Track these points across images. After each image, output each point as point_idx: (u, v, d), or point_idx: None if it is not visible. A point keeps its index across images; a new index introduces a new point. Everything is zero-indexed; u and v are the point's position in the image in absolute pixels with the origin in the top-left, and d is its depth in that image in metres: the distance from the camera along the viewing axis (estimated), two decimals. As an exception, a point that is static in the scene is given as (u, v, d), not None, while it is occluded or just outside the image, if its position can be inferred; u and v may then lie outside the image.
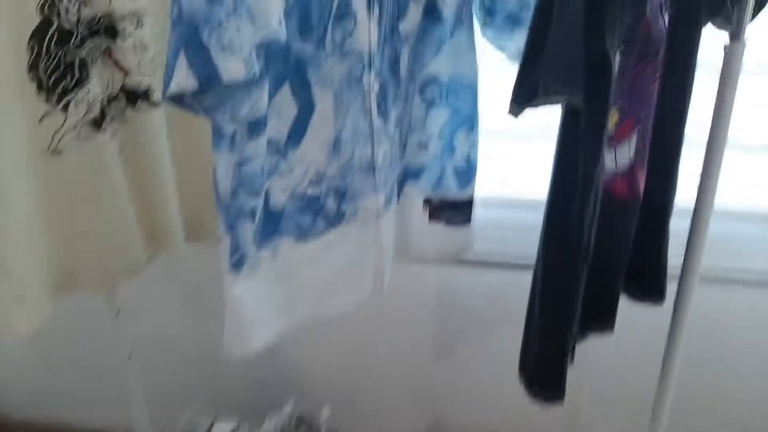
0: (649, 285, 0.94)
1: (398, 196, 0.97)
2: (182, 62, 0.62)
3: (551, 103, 0.69)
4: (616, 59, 0.69)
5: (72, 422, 1.42)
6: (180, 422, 1.17)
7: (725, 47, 0.77)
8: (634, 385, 1.07)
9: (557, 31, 0.61)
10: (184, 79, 0.63)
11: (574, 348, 0.86)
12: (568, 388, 0.85)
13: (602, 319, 0.90)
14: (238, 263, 0.79)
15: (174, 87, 0.63)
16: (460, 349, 1.29)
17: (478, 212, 1.02)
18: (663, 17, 0.75)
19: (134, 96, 0.92)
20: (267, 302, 0.84)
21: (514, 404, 0.93)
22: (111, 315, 1.07)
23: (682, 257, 0.89)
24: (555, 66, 0.63)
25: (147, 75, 0.91)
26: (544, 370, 0.85)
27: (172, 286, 1.22)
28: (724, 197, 0.88)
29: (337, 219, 0.88)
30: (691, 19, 0.78)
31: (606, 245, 0.84)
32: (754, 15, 0.80)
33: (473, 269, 1.19)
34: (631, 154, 0.80)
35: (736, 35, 0.75)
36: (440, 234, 1.00)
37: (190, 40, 0.62)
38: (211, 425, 1.15)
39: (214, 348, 1.22)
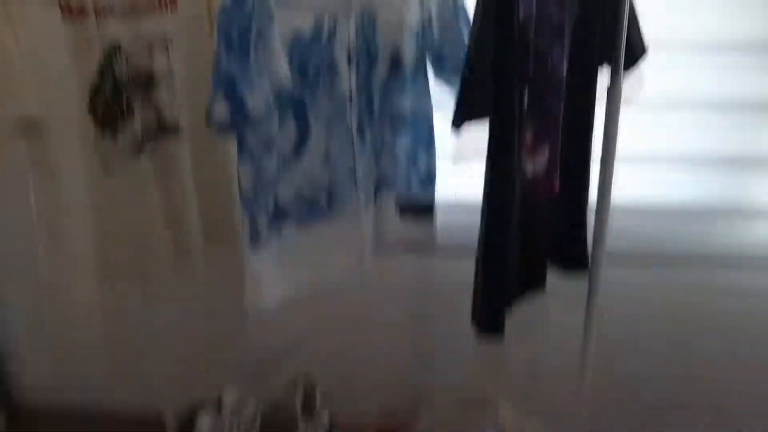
0: (575, 258, 1.20)
1: (375, 200, 1.24)
2: (221, 100, 0.90)
3: (476, 122, 0.98)
4: (526, 93, 0.99)
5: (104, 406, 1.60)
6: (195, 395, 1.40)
7: (607, 87, 1.06)
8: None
9: (473, 75, 0.92)
10: (223, 111, 0.91)
11: (511, 302, 1.13)
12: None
13: (535, 281, 1.18)
14: (255, 241, 1.07)
15: (215, 117, 0.91)
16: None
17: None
18: (563, 63, 1.04)
19: (165, 128, 1.18)
20: (275, 270, 1.12)
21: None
22: (146, 304, 1.32)
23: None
24: (471, 100, 0.95)
25: (176, 113, 1.18)
26: (488, 318, 1.11)
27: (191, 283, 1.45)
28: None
29: (327, 211, 1.16)
30: (587, 64, 1.07)
31: (534, 228, 1.12)
32: (631, 65, 1.10)
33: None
34: (545, 163, 1.09)
35: (613, 82, 1.04)
36: (410, 229, 1.27)
37: (229, 88, 0.90)
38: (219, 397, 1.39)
39: (223, 333, 1.47)
